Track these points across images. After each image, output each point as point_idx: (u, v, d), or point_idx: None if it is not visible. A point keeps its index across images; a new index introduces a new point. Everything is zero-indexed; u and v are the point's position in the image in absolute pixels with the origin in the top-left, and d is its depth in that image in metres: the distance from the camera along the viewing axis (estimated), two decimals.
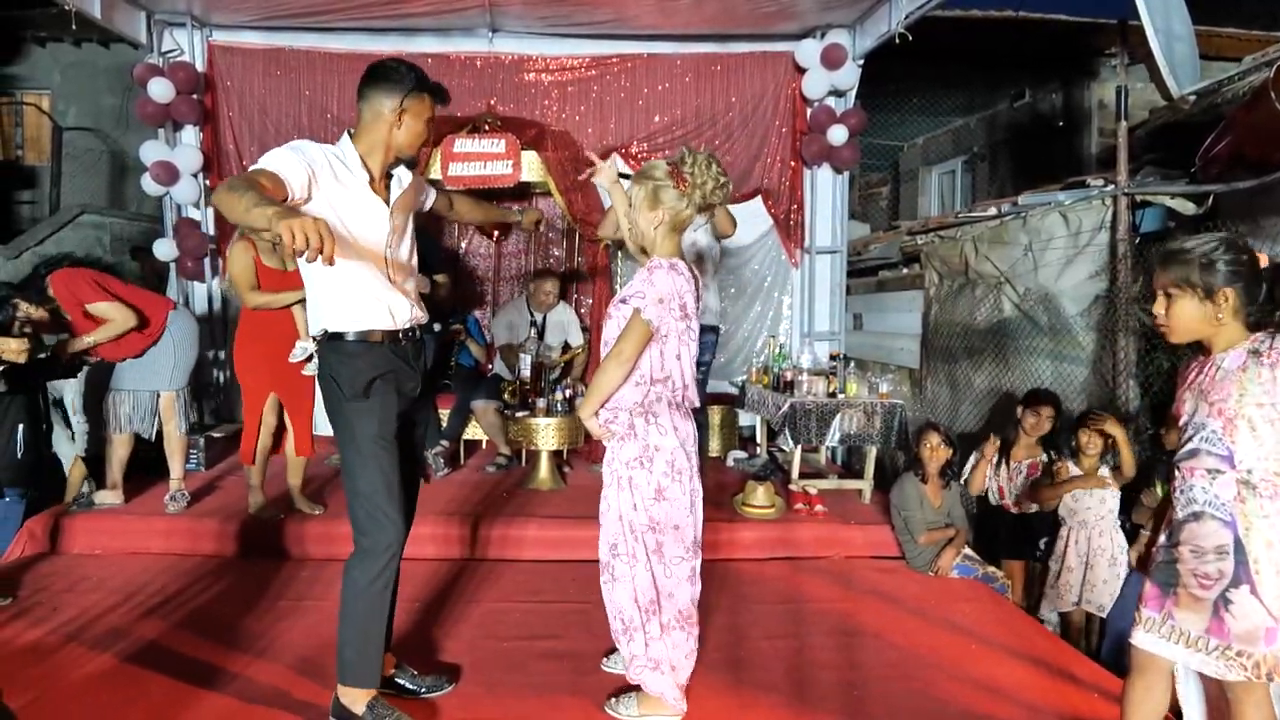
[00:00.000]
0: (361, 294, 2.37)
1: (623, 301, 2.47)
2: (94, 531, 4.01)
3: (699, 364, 4.38)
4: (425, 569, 3.75)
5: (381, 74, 2.35)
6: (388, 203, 2.42)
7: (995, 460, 4.19)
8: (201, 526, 4.03)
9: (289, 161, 2.16)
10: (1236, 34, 7.11)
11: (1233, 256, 1.96)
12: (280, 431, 4.23)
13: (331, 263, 1.81)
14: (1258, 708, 1.99)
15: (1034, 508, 4.02)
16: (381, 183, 2.41)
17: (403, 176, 2.49)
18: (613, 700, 2.63)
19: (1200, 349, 2.10)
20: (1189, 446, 2.04)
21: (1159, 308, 2.07)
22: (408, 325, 2.47)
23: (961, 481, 4.26)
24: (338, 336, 2.36)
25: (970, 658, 3.06)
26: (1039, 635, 3.36)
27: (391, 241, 2.42)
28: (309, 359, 4.01)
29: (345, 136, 2.38)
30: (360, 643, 2.38)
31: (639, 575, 2.50)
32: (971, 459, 4.29)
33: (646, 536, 2.49)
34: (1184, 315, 2.03)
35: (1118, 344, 4.48)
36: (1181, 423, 2.08)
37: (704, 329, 4.39)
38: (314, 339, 2.43)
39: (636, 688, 2.59)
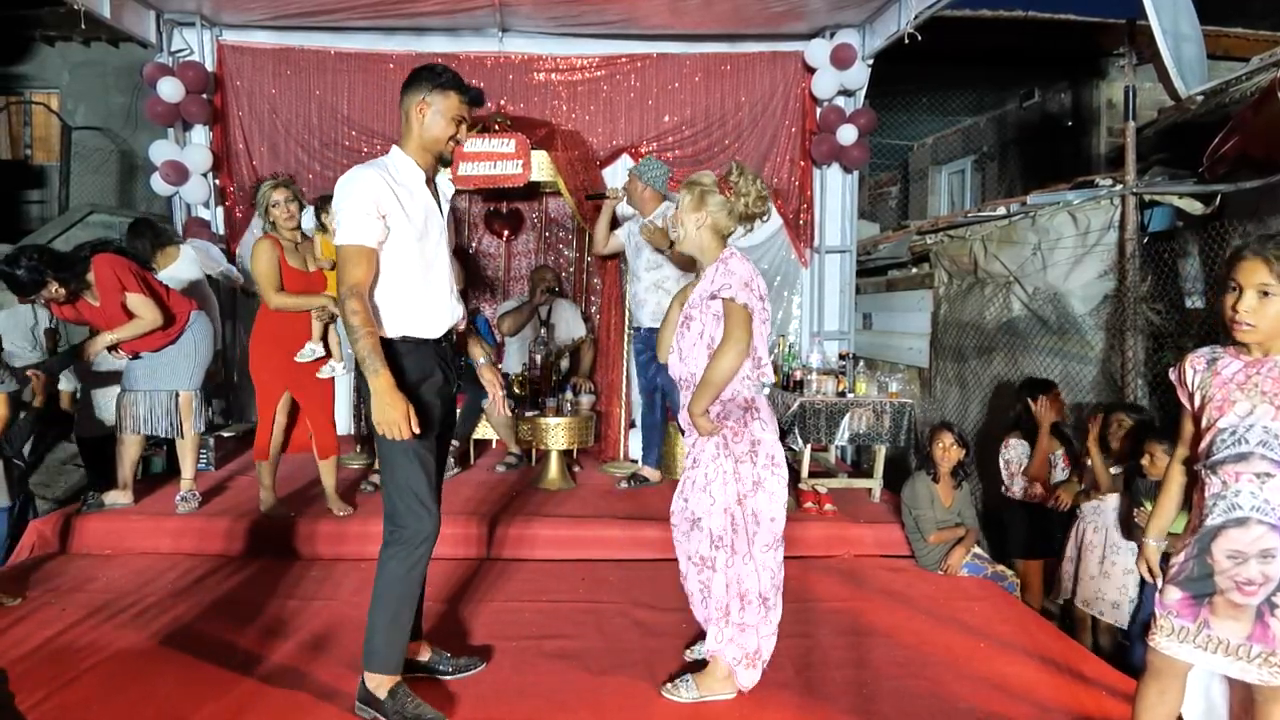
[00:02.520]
0: (431, 297, 2.50)
1: (711, 298, 2.59)
2: (104, 532, 4.01)
3: None
4: (435, 568, 3.66)
5: (412, 75, 2.47)
6: (439, 204, 2.54)
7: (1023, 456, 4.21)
8: (212, 526, 4.04)
9: (366, 226, 2.33)
10: (1244, 34, 7.10)
11: None
12: (289, 430, 4.24)
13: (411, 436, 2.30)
14: None
15: (1061, 506, 4.01)
16: (431, 185, 2.53)
17: (444, 188, 2.61)
18: (669, 685, 2.71)
19: (1240, 345, 2.04)
20: (1237, 449, 1.96)
21: (1248, 303, 1.95)
22: (453, 326, 2.58)
23: (1023, 474, 4.24)
24: (397, 338, 2.45)
25: (980, 656, 3.06)
26: (1048, 634, 3.35)
27: (439, 258, 2.54)
28: (319, 361, 4.05)
29: (394, 148, 2.50)
30: (389, 630, 2.46)
31: (737, 566, 2.62)
32: (1014, 456, 4.29)
33: (748, 528, 2.61)
34: (1275, 315, 1.94)
35: (1126, 343, 4.48)
36: (1224, 423, 1.99)
37: None
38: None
39: (693, 670, 2.75)
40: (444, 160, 2.55)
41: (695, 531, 2.70)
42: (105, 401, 4.90)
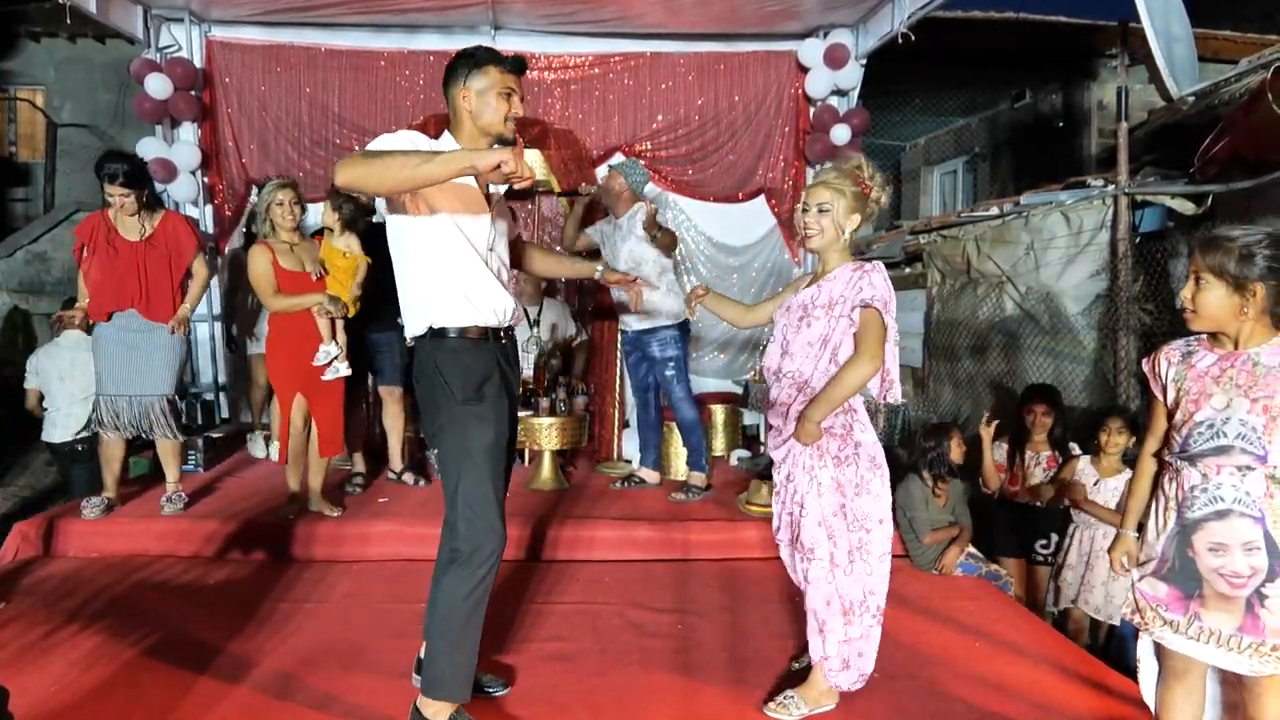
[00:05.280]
0: (473, 287, 2.33)
1: (859, 307, 2.44)
2: (89, 534, 3.94)
3: (666, 360, 4.47)
4: (424, 570, 3.71)
5: (447, 67, 2.35)
6: (487, 197, 2.39)
7: (1007, 451, 4.20)
8: (200, 528, 3.98)
9: (400, 139, 2.18)
10: (1234, 36, 7.15)
11: (1273, 253, 1.93)
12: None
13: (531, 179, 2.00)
14: (1278, 698, 1.98)
15: (1038, 501, 4.05)
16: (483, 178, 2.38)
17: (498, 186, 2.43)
18: (773, 704, 2.56)
19: (1213, 338, 2.07)
20: (1217, 443, 1.98)
21: (1187, 291, 2.04)
22: (509, 322, 2.45)
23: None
24: (442, 333, 2.31)
25: (975, 656, 3.05)
26: (1044, 633, 3.35)
27: (494, 237, 2.41)
28: (330, 363, 4.00)
29: (446, 134, 2.39)
30: (453, 655, 2.27)
31: (838, 579, 2.49)
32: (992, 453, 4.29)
33: (850, 537, 2.48)
34: (1211, 303, 2.00)
35: (1118, 342, 4.50)
36: (1201, 416, 2.01)
37: (661, 329, 4.45)
38: (415, 337, 2.39)
39: (793, 684, 2.63)
40: (505, 143, 2.38)
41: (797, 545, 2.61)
42: (70, 410, 4.85)
